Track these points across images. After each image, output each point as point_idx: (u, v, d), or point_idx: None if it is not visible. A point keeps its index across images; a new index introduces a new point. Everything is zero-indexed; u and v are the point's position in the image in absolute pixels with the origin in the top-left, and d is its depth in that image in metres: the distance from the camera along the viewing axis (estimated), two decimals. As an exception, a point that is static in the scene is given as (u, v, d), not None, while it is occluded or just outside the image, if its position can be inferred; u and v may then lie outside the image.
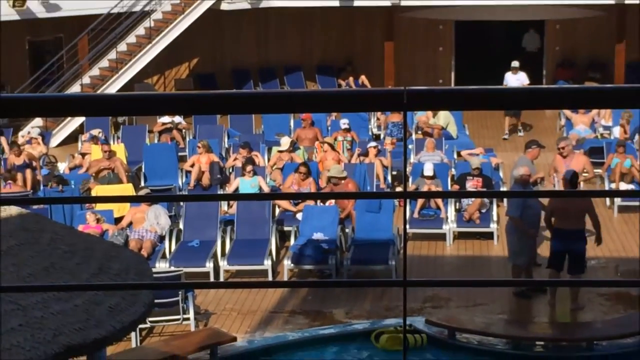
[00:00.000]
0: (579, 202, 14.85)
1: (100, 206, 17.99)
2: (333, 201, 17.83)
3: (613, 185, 20.01)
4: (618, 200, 19.63)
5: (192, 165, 20.89)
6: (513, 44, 31.70)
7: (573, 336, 13.79)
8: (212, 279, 16.33)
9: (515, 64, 25.08)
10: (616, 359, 12.67)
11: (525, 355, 12.93)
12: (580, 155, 19.97)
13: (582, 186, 19.47)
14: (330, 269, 16.60)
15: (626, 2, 27.29)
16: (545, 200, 15.61)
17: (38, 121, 25.74)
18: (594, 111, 24.34)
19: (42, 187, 20.06)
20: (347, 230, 17.68)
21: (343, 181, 18.50)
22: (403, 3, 28.03)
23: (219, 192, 20.33)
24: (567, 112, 24.70)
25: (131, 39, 27.22)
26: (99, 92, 25.19)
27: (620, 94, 2.61)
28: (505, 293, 15.78)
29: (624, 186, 19.96)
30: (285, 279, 16.47)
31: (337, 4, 28.14)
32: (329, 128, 24.05)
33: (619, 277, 16.74)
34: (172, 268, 15.87)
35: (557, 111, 25.88)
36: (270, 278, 16.42)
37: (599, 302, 15.54)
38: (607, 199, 20.06)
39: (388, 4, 28.08)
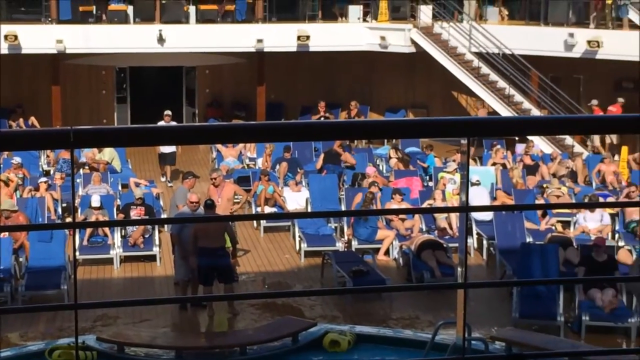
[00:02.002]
0: (217, 224, 15.19)
1: None
2: (7, 233, 17.14)
3: (259, 209, 20.52)
4: (263, 222, 20.17)
5: None
6: (174, 85, 31.91)
7: (229, 343, 13.93)
8: None
9: (167, 112, 24.96)
10: (266, 361, 12.93)
11: (188, 363, 12.90)
12: (230, 184, 20.29)
13: (220, 210, 19.72)
14: (5, 296, 15.92)
15: (265, 50, 28.13)
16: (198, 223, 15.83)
17: None
18: (241, 145, 24.87)
19: None
20: (21, 259, 17.06)
21: (14, 214, 17.83)
22: (68, 51, 27.47)
23: None
24: (218, 145, 25.06)
25: None
26: None
27: (263, 130, 2.67)
28: (168, 308, 15.77)
29: (268, 209, 20.50)
30: (-38, 307, 15.63)
31: (5, 51, 27.14)
32: (1, 165, 23.08)
33: (267, 290, 17.12)
34: None
35: (209, 145, 26.24)
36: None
37: (250, 312, 15.85)
38: (254, 222, 20.55)
39: (54, 51, 27.42)
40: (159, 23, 28.12)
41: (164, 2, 28.64)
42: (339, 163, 23.41)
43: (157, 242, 18.38)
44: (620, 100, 26.22)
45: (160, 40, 27.45)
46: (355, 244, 18.70)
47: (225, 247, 15.64)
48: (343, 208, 20.34)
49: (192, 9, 28.50)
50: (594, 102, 26.38)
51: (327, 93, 30.22)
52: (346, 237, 19.14)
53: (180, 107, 31.27)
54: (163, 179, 24.55)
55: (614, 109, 25.89)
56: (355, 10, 29.03)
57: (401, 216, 19.29)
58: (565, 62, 27.30)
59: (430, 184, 22.40)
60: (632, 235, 18.94)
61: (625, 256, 17.01)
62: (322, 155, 23.66)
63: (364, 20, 29.09)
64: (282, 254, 19.00)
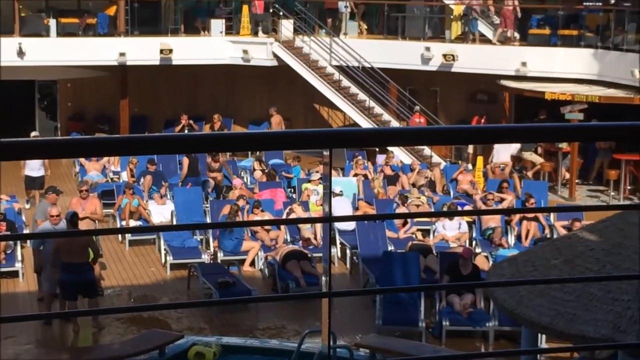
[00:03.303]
0: (80, 239, 14.95)
1: None
2: None
3: (124, 223, 20.25)
4: (128, 236, 19.89)
5: None
6: (40, 99, 31.27)
7: (94, 357, 13.68)
8: None
9: (35, 133, 24.55)
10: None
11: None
12: (94, 198, 20.00)
13: (84, 225, 19.33)
14: None
15: (128, 63, 27.79)
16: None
17: None
18: (105, 159, 24.47)
19: None
20: None
21: None
22: None
23: None
24: (82, 159, 24.60)
25: None
26: None
27: (124, 143, 2.64)
28: (32, 324, 15.36)
29: (133, 223, 20.24)
30: None
31: None
32: None
33: (133, 303, 16.85)
34: None
35: (72, 160, 25.74)
36: None
37: (116, 326, 15.60)
38: (119, 236, 20.22)
39: None
40: (19, 36, 27.45)
41: (23, 15, 27.98)
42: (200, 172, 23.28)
43: (19, 257, 17.90)
44: (417, 108, 27.06)
45: (20, 53, 26.81)
46: (221, 256, 18.65)
47: (89, 262, 15.38)
48: (208, 220, 20.25)
49: (52, 22, 27.93)
50: (417, 108, 27.14)
51: (191, 106, 30.07)
52: (212, 249, 19.06)
53: (43, 121, 30.71)
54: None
55: (417, 120, 26.72)
56: (217, 24, 28.97)
57: (266, 227, 19.32)
58: (422, 75, 27.89)
59: (294, 195, 22.53)
60: (489, 242, 19.45)
61: (482, 262, 17.44)
62: (185, 161, 23.41)
63: (227, 34, 29.05)
64: (147, 267, 18.78)
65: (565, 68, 25.62)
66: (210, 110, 29.66)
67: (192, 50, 28.41)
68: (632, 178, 24.75)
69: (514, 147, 25.58)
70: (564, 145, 24.76)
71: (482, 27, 28.48)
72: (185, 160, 23.44)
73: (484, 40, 28.26)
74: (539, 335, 11.35)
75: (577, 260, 9.85)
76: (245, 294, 16.06)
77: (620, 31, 25.56)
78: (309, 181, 22.08)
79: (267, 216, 19.67)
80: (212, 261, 18.41)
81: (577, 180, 24.87)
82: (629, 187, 24.67)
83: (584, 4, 27.51)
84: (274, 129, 27.60)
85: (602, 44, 25.56)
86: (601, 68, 25.09)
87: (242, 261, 18.51)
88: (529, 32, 27.04)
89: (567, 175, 24.94)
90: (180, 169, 24.21)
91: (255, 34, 28.97)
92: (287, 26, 28.73)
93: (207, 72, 30.04)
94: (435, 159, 26.71)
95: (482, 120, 26.66)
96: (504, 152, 25.23)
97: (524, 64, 25.80)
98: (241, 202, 19.74)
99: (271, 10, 29.11)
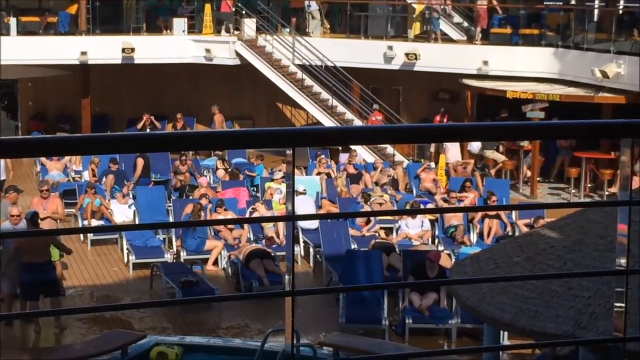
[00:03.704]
0: (41, 238, 14.84)
1: None
2: None
3: (86, 223, 20.10)
4: (90, 235, 19.75)
5: None
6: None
7: (56, 358, 13.59)
8: None
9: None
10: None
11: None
12: (55, 198, 19.85)
13: (46, 225, 19.15)
14: None
15: (89, 62, 27.61)
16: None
17: None
18: (67, 158, 24.29)
19: None
20: None
21: None
22: None
23: None
24: (42, 158, 24.38)
25: None
26: None
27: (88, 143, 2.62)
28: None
29: (95, 222, 20.10)
30: None
31: None
32: None
33: (95, 303, 16.74)
34: None
35: (33, 159, 25.53)
36: None
37: (78, 326, 15.50)
38: (81, 235, 20.10)
39: None
40: (-21, 34, 27.19)
41: (-18, 13, 27.73)
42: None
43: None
44: (376, 106, 27.21)
45: (-20, 52, 26.54)
46: (183, 255, 18.58)
47: (51, 261, 15.26)
48: (171, 219, 20.17)
49: (12, 21, 27.68)
50: (375, 106, 27.27)
51: (154, 105, 29.92)
52: (175, 248, 18.98)
53: (3, 120, 30.46)
54: None
55: (377, 117, 26.85)
56: (180, 23, 28.86)
57: (229, 226, 19.28)
58: (385, 73, 27.95)
59: (257, 194, 22.49)
60: (451, 239, 19.53)
61: (444, 260, 17.52)
62: (140, 162, 23.31)
63: (189, 33, 28.95)
64: (110, 267, 18.67)
65: (527, 67, 25.80)
66: (173, 109, 29.54)
67: (154, 49, 28.28)
68: (593, 176, 24.97)
69: (473, 145, 25.72)
70: (525, 144, 24.94)
71: (445, 27, 28.60)
72: (140, 161, 23.34)
73: (447, 39, 28.39)
74: (501, 332, 11.42)
75: (539, 258, 9.92)
76: (208, 293, 16.02)
77: (580, 30, 25.79)
78: (272, 180, 22.07)
79: (230, 215, 19.63)
80: (175, 260, 18.34)
81: (538, 178, 25.05)
82: (589, 185, 24.89)
83: (545, 3, 27.73)
84: (217, 127, 27.58)
85: (563, 43, 25.76)
86: (562, 67, 25.29)
87: (205, 260, 18.46)
88: (490, 31, 27.20)
89: (529, 173, 25.12)
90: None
91: (218, 32, 28.90)
92: (249, 25, 28.68)
93: (170, 71, 29.92)
94: (398, 157, 26.79)
95: (444, 119, 26.79)
96: (452, 149, 25.43)
97: (485, 62, 25.94)
98: (204, 201, 19.68)
99: (234, 9, 29.06)
